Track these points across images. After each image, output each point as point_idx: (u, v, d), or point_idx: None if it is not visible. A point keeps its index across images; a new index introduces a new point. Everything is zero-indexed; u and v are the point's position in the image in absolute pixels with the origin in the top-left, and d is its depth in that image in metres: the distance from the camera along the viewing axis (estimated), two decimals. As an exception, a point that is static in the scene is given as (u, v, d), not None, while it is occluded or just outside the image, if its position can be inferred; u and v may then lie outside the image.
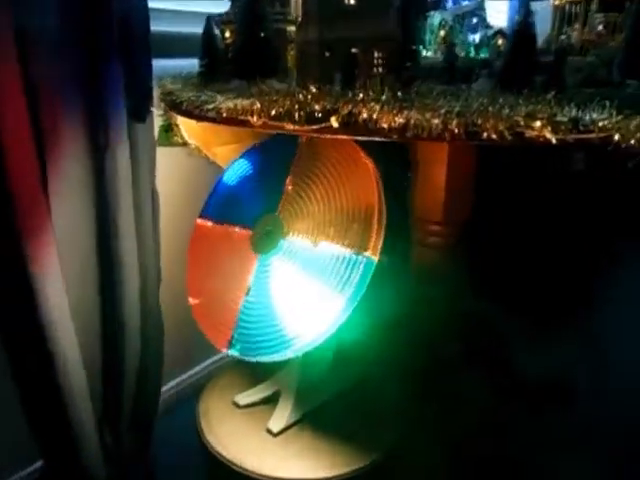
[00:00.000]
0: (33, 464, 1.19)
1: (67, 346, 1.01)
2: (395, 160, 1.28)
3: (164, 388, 1.41)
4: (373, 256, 0.82)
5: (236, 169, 1.06)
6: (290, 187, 0.90)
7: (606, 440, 1.03)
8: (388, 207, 0.92)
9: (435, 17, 1.14)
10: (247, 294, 0.92)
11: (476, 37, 1.14)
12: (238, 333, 0.91)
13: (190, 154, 1.14)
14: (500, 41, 1.02)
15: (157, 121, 1.11)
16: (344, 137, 0.73)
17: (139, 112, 1.09)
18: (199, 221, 1.05)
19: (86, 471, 1.12)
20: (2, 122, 0.86)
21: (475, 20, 1.19)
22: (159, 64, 1.07)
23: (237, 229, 0.97)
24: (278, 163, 0.95)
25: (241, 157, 1.06)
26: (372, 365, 1.11)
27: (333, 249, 0.83)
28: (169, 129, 1.09)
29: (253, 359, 0.88)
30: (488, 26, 1.15)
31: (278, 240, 0.88)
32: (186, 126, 1.06)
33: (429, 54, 1.13)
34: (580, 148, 0.58)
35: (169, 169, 1.24)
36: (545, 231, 1.17)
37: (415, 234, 1.24)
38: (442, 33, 1.14)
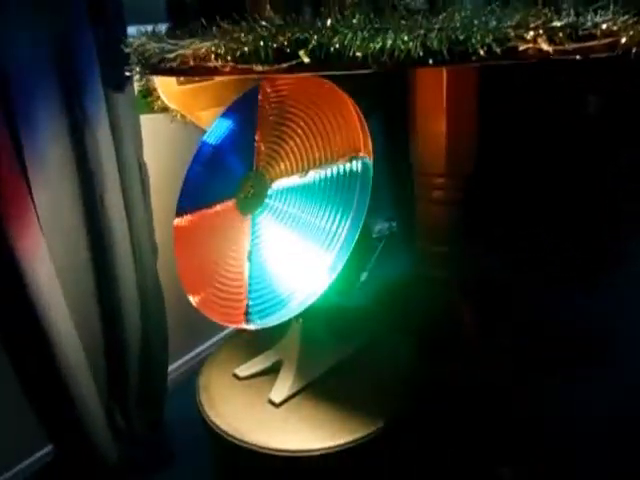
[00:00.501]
0: (44, 448, 1.17)
1: (60, 321, 0.99)
2: (388, 114, 1.22)
3: (173, 366, 1.39)
4: (367, 156, 0.73)
5: (201, 148, 1.01)
6: (259, 139, 0.84)
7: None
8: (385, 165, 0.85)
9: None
10: (249, 259, 0.87)
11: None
12: (251, 299, 0.84)
13: (172, 121, 1.08)
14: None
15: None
16: (318, 74, 0.66)
17: (117, 81, 1.03)
18: (177, 221, 0.99)
19: (96, 450, 1.11)
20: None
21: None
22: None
23: (218, 206, 0.92)
24: (243, 121, 0.89)
25: (203, 136, 1.01)
26: (373, 332, 1.06)
27: (324, 171, 0.76)
28: (147, 94, 1.03)
29: (274, 321, 0.82)
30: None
31: (265, 194, 0.82)
32: (165, 89, 1.00)
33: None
34: (581, 60, 0.50)
35: (156, 137, 1.19)
36: (556, 180, 1.09)
37: (417, 189, 1.17)
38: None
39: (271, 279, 0.82)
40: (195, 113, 1.06)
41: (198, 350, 1.47)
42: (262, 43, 0.59)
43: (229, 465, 0.95)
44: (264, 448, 0.84)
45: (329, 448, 0.84)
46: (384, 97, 1.22)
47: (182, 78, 1.02)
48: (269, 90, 0.89)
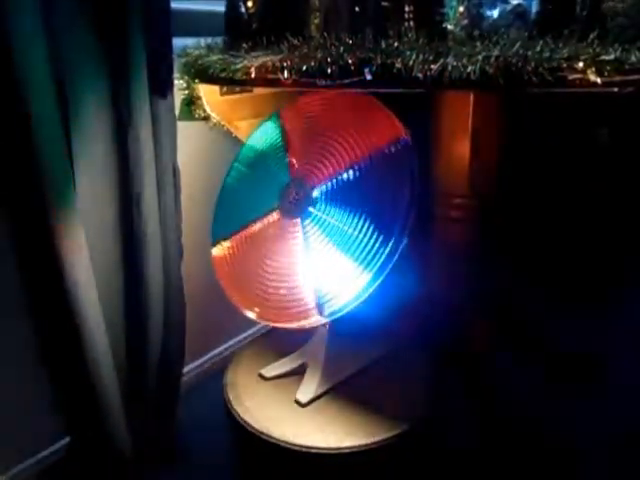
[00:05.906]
0: (59, 441, 1.19)
1: (92, 317, 1.02)
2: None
3: (195, 364, 1.41)
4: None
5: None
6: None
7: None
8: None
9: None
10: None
11: (494, 12, 1.14)
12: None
13: (211, 128, 1.13)
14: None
15: (178, 95, 1.10)
16: (377, 90, 0.72)
17: (161, 87, 1.08)
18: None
19: (112, 444, 1.12)
20: (30, 102, 0.85)
21: (493, -5, 1.18)
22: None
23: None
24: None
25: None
26: (398, 338, 1.10)
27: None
28: (191, 103, 1.08)
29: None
30: (506, 1, 1.15)
31: (309, 200, 0.87)
32: (209, 98, 1.05)
33: (449, 27, 1.12)
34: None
35: (189, 144, 1.24)
36: (575, 205, 1.14)
37: (437, 208, 1.23)
38: (461, 9, 1.14)
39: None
40: (234, 123, 1.12)
41: (217, 351, 1.49)
42: (329, 60, 0.64)
43: (254, 459, 0.98)
44: (290, 444, 0.88)
45: (352, 447, 0.88)
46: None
47: (225, 88, 1.07)
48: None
